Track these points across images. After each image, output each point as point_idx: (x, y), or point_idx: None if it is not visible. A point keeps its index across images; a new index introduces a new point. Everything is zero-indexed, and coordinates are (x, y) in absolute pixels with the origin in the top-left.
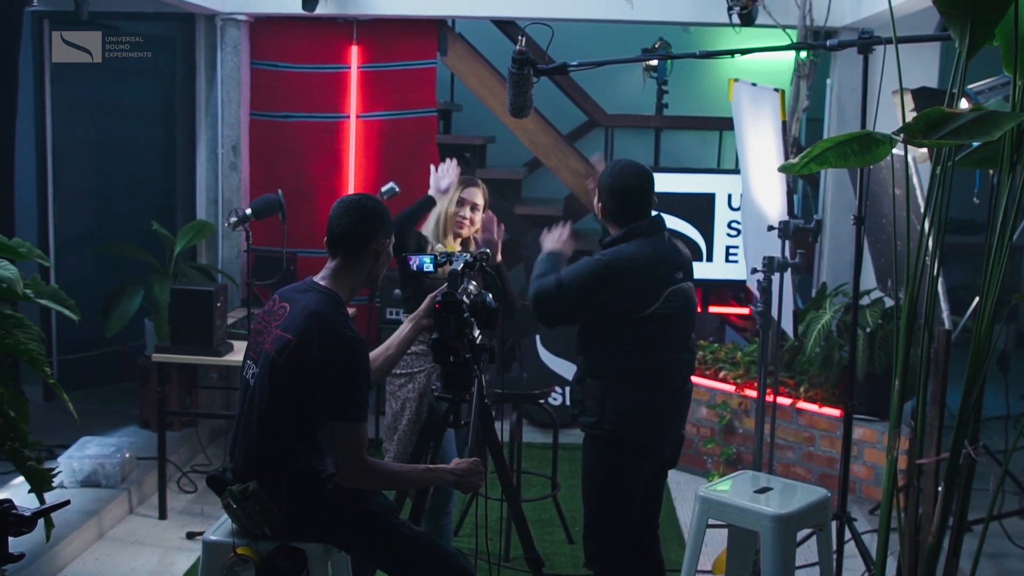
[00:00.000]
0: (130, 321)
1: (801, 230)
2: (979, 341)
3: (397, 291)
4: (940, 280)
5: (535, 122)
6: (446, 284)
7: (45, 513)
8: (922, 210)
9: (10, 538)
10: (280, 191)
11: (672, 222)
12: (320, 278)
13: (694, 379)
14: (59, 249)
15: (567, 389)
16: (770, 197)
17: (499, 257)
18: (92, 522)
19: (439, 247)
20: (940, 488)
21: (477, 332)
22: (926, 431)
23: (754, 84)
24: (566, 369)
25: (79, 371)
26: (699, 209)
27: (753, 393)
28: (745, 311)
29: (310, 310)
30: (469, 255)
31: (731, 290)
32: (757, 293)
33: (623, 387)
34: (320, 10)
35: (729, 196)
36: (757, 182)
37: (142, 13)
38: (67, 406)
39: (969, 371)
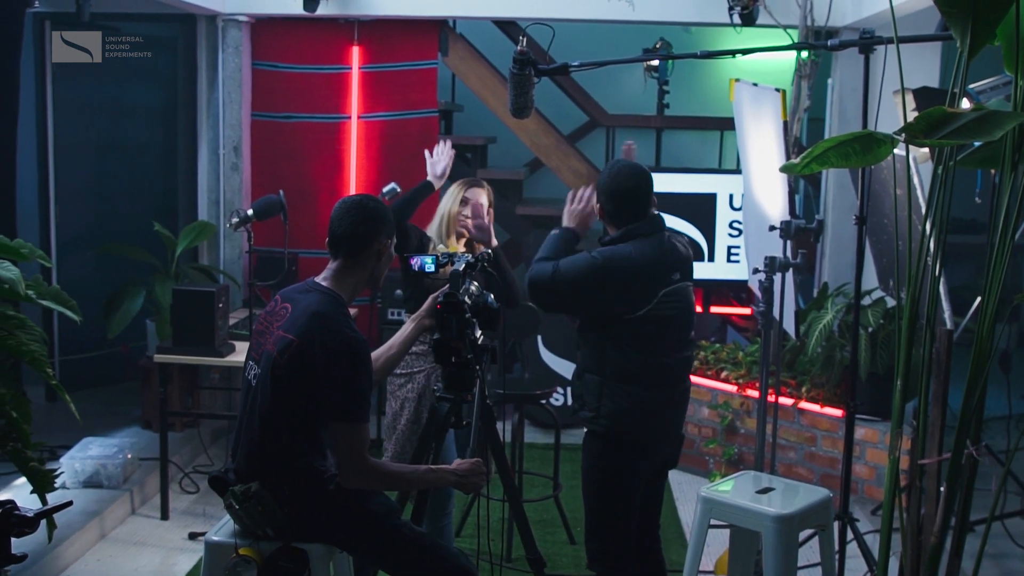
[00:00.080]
0: (132, 322)
1: (803, 230)
2: (981, 341)
3: (399, 291)
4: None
5: (536, 122)
6: (447, 284)
7: (47, 514)
8: (923, 210)
9: (12, 539)
10: (281, 192)
11: (673, 222)
12: (322, 279)
13: (696, 380)
14: (61, 250)
15: (568, 389)
16: (771, 197)
17: (494, 241)
18: (94, 523)
19: (441, 247)
20: (942, 488)
21: (479, 332)
22: (928, 431)
23: (755, 84)
24: (567, 369)
25: (81, 372)
26: (700, 209)
27: (755, 393)
28: (747, 311)
29: (312, 311)
30: (471, 256)
31: (733, 290)
32: (759, 293)
33: (621, 385)
34: (321, 11)
35: (731, 196)
36: (758, 182)
37: (143, 14)
38: (69, 407)
39: (971, 371)
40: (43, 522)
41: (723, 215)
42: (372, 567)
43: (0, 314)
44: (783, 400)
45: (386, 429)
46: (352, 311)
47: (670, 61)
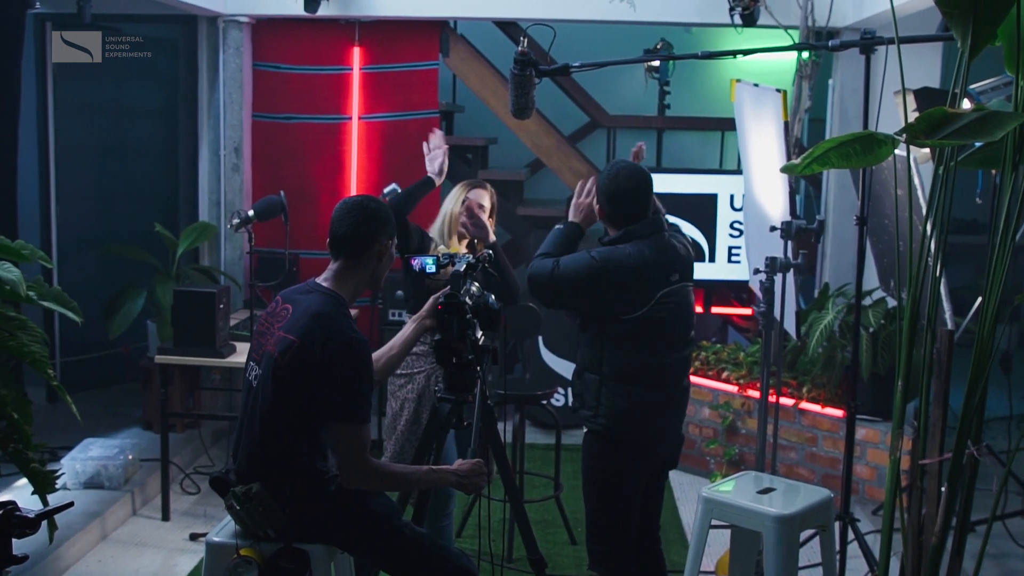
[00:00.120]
0: (133, 323)
1: (803, 231)
2: (982, 341)
3: (399, 292)
4: (943, 280)
5: (537, 123)
6: (448, 285)
7: (48, 515)
8: (924, 210)
9: (13, 540)
10: (282, 192)
11: (674, 223)
12: (323, 279)
13: (697, 380)
14: (62, 251)
15: (569, 389)
16: (772, 198)
17: (492, 237)
18: (95, 524)
19: (443, 248)
20: (943, 488)
21: (480, 333)
22: (929, 431)
23: (756, 85)
24: (568, 370)
25: (82, 373)
26: (701, 210)
27: (756, 394)
28: (748, 312)
29: (313, 311)
30: (472, 256)
31: (733, 291)
32: (759, 294)
33: (620, 385)
34: (322, 11)
35: (731, 197)
36: (759, 183)
37: (144, 15)
38: (70, 408)
39: (972, 371)
40: (44, 523)
41: (724, 216)
42: (373, 568)
43: (1, 315)
44: (784, 400)
45: (386, 430)
46: (353, 312)
47: (671, 62)
